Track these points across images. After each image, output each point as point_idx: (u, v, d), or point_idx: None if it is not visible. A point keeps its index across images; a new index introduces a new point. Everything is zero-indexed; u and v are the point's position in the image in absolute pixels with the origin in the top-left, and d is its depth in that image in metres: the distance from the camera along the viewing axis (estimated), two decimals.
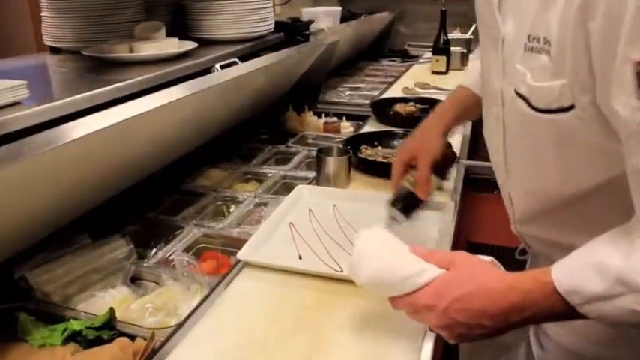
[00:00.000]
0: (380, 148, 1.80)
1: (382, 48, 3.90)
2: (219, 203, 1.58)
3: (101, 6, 1.59)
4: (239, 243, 1.22)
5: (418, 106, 2.27)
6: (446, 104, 1.38)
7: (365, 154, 1.76)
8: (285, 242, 1.25)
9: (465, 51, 3.09)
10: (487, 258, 0.85)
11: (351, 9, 3.51)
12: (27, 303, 1.07)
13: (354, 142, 1.80)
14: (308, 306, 1.04)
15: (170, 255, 1.26)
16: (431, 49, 3.10)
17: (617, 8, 0.65)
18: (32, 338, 0.96)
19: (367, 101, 2.48)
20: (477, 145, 1.88)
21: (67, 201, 1.16)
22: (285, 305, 1.05)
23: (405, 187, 1.25)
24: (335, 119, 2.21)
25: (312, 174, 1.67)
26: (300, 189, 1.49)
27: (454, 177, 1.60)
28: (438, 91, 2.60)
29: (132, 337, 0.96)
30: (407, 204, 1.23)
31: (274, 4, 2.03)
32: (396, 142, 1.82)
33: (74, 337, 0.96)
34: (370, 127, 2.13)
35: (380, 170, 1.61)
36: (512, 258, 1.16)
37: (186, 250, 1.31)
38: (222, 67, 1.50)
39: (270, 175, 1.73)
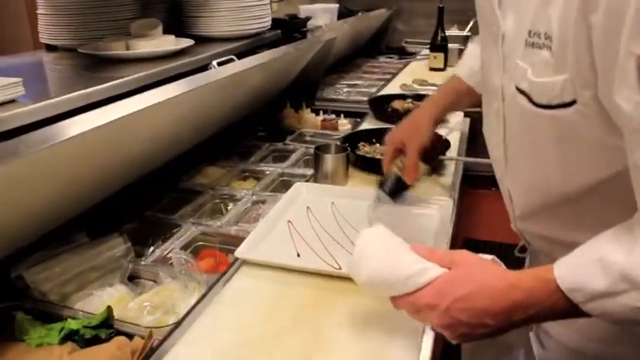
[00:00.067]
0: (378, 145, 1.80)
1: (379, 45, 3.89)
2: (217, 201, 1.57)
3: (97, 3, 1.59)
4: (237, 241, 1.22)
5: (416, 103, 2.26)
6: (438, 94, 1.43)
7: (363, 151, 1.76)
8: (284, 240, 1.25)
9: (462, 48, 3.08)
10: (488, 256, 0.84)
11: (348, 6, 3.51)
12: (24, 302, 1.06)
13: (352, 139, 1.80)
14: (306, 304, 1.04)
15: (168, 253, 1.25)
16: (428, 46, 3.09)
17: (620, 1, 0.64)
18: (29, 338, 0.96)
19: (365, 98, 2.47)
20: (475, 142, 1.87)
21: (64, 199, 1.15)
22: (284, 303, 1.04)
23: (393, 171, 1.31)
24: (333, 116, 2.21)
25: (310, 171, 1.67)
26: (298, 186, 1.49)
27: (452, 173, 1.60)
28: (436, 87, 2.58)
29: (130, 336, 0.95)
30: (394, 187, 1.31)
31: (271, 1, 2.03)
32: None
33: (71, 337, 0.95)
34: (368, 124, 2.13)
35: (378, 167, 1.59)
36: (511, 255, 1.16)
37: (184, 248, 1.30)
38: (220, 64, 1.50)
39: (267, 172, 1.73)
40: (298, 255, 1.19)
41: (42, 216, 1.13)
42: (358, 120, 2.21)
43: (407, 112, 2.16)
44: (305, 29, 2.25)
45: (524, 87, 0.85)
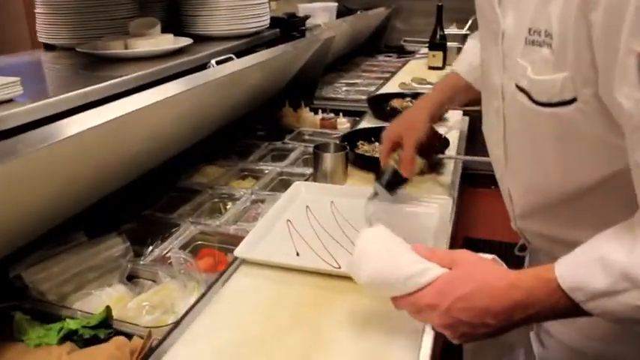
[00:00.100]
0: (377, 143, 1.79)
1: (378, 44, 3.89)
2: (216, 200, 1.57)
3: (95, 2, 1.59)
4: (236, 240, 1.21)
5: (415, 101, 2.26)
6: (435, 89, 1.45)
7: (362, 149, 1.76)
8: (283, 239, 1.24)
9: (461, 46, 3.06)
10: (489, 256, 0.84)
11: (347, 4, 3.50)
12: (22, 302, 1.06)
13: (351, 138, 1.80)
14: (306, 303, 1.03)
15: (167, 253, 1.25)
16: (427, 45, 3.09)
17: None
18: (28, 338, 0.96)
19: (364, 97, 2.47)
20: (474, 141, 1.87)
21: (62, 199, 1.15)
22: (283, 302, 1.04)
23: (390, 165, 1.32)
24: (331, 115, 2.20)
25: (309, 170, 1.67)
26: (297, 185, 1.49)
27: (451, 172, 1.60)
28: None
29: (129, 336, 0.95)
30: (390, 180, 1.32)
31: (270, 0, 2.02)
32: None
33: (70, 337, 0.95)
34: (367, 122, 2.12)
35: (377, 166, 1.60)
36: (511, 254, 1.16)
37: (183, 247, 1.30)
38: (218, 63, 1.50)
39: (266, 171, 1.73)
40: (297, 254, 1.19)
41: (40, 215, 1.12)
42: (357, 119, 2.21)
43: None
44: (304, 28, 2.24)
45: (524, 85, 0.84)
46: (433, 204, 1.38)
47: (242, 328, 0.97)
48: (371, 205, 1.33)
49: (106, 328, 0.97)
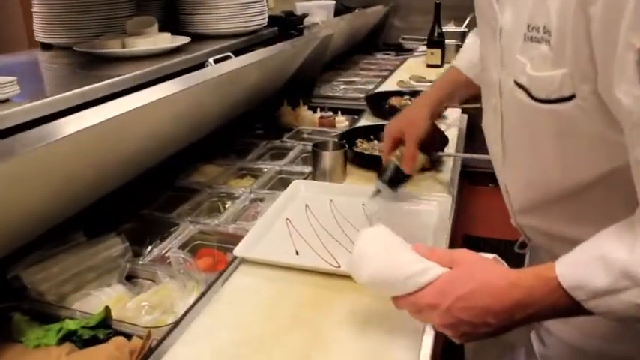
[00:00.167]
0: (376, 142, 1.79)
1: (376, 41, 3.88)
2: (215, 199, 1.57)
3: (92, 1, 1.58)
4: (235, 239, 1.21)
5: (413, 99, 2.26)
6: (435, 85, 1.45)
7: (361, 148, 1.75)
8: (282, 238, 1.24)
9: (459, 44, 3.08)
10: (490, 255, 0.84)
11: (344, 2, 3.49)
12: (21, 303, 1.06)
13: (350, 136, 1.79)
14: (305, 302, 1.03)
15: (166, 252, 1.25)
16: (425, 43, 3.09)
17: None
18: (27, 339, 0.95)
19: (362, 95, 2.47)
20: (473, 139, 1.87)
21: (60, 198, 1.14)
22: (283, 302, 1.04)
23: (392, 161, 1.33)
24: (330, 113, 2.20)
25: (307, 169, 1.66)
26: (296, 184, 1.48)
27: (451, 170, 1.60)
28: None
29: (128, 336, 0.95)
30: (393, 177, 1.33)
31: None
32: None
33: (69, 337, 0.95)
34: (365, 120, 2.12)
35: (376, 164, 1.60)
36: (511, 252, 1.16)
37: (182, 247, 1.29)
38: (216, 61, 1.49)
39: (265, 170, 1.72)
40: (297, 253, 1.18)
41: (39, 215, 1.12)
42: (356, 117, 2.21)
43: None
44: (301, 26, 2.24)
45: (523, 81, 0.84)
46: (433, 202, 1.38)
47: (242, 327, 0.97)
48: (373, 203, 1.33)
49: (105, 328, 0.96)
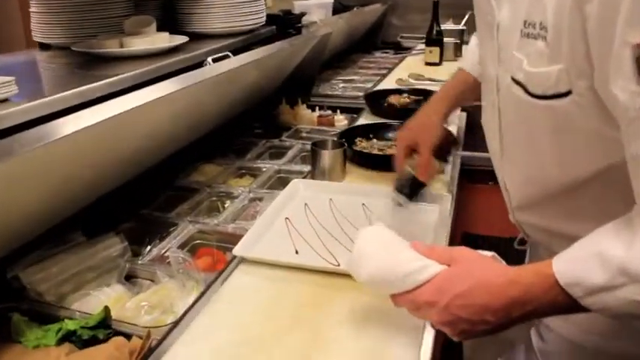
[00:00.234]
0: (375, 140, 1.79)
1: (375, 40, 3.88)
2: (214, 199, 1.56)
3: (90, 1, 1.58)
4: (234, 239, 1.21)
5: (412, 97, 2.26)
6: (445, 89, 1.42)
7: (360, 146, 1.75)
8: (282, 237, 1.24)
9: (458, 42, 3.09)
10: (488, 253, 0.84)
11: (343, 1, 3.48)
12: (20, 303, 1.05)
13: (349, 135, 1.79)
14: (305, 302, 1.03)
15: (165, 252, 1.25)
16: (424, 41, 3.09)
17: None
18: (26, 339, 0.95)
19: (361, 93, 2.47)
20: (473, 137, 1.87)
21: (59, 198, 1.14)
22: (282, 301, 1.04)
23: (408, 171, 1.30)
24: (329, 112, 2.20)
25: (307, 168, 1.66)
26: (296, 183, 1.48)
27: (450, 168, 1.59)
28: (432, 82, 2.59)
29: (127, 336, 0.94)
30: (411, 188, 1.31)
31: None
32: (390, 134, 1.81)
33: (69, 338, 0.94)
34: (364, 119, 2.12)
35: (375, 162, 1.60)
36: (510, 249, 1.16)
37: (181, 246, 1.29)
38: (214, 60, 1.49)
39: (264, 169, 1.72)
40: (297, 252, 1.18)
41: (38, 216, 1.12)
42: (354, 115, 2.21)
43: (403, 106, 2.17)
44: (300, 25, 2.24)
45: (520, 78, 0.84)
46: (433, 200, 1.37)
47: (241, 327, 0.97)
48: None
49: (104, 328, 0.96)
